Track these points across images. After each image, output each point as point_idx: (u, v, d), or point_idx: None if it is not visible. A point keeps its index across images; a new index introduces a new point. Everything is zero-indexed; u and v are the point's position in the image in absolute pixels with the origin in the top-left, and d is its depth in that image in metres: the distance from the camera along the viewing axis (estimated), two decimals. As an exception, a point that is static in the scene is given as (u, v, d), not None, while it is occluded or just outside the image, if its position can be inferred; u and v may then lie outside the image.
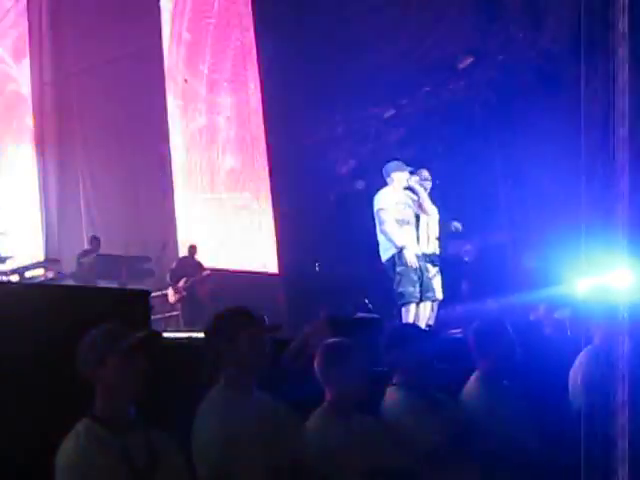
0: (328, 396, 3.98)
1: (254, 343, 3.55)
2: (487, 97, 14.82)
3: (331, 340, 4.16)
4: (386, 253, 9.34)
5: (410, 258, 9.15)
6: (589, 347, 5.91)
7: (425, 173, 9.94)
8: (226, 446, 3.31)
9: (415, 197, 9.58)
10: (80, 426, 3.06)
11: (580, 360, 5.85)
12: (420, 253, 9.40)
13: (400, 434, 4.13)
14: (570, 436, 5.72)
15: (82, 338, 3.18)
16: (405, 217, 9.36)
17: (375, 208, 9.52)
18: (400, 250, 9.19)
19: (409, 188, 9.63)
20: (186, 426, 3.43)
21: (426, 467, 4.09)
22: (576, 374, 5.75)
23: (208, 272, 12.95)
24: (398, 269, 9.14)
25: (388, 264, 9.32)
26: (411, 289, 9.11)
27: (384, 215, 9.38)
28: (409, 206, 9.50)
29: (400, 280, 9.14)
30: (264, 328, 3.74)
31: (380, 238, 9.42)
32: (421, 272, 9.24)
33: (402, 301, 9.19)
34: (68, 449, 2.99)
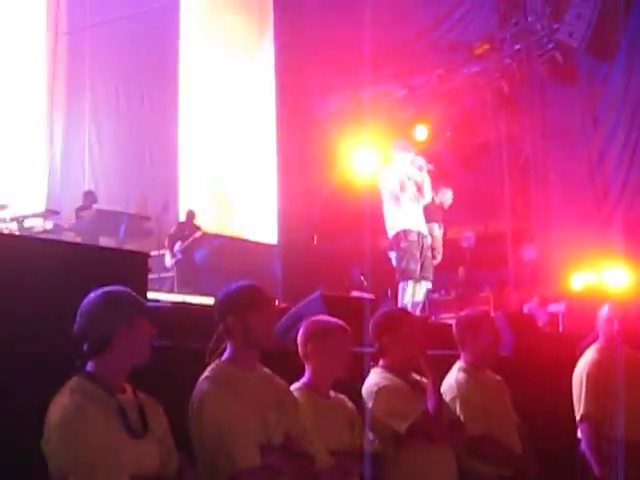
0: (307, 373, 3.98)
1: (264, 322, 3.56)
2: (499, 85, 14.75)
3: (314, 317, 4.13)
4: (391, 230, 9.42)
5: (412, 236, 9.27)
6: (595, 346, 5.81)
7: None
8: (226, 424, 3.32)
9: (419, 178, 9.60)
10: (73, 383, 3.00)
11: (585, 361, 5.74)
12: (426, 232, 9.51)
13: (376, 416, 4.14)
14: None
15: (86, 295, 3.12)
16: (408, 194, 9.40)
17: (380, 186, 9.60)
18: (404, 228, 9.28)
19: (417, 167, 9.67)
20: (177, 394, 3.41)
21: (394, 449, 4.12)
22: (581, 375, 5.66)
23: (200, 233, 12.89)
24: (403, 245, 9.22)
25: (394, 240, 9.40)
26: (414, 267, 9.21)
27: (386, 194, 9.47)
28: (413, 184, 9.53)
29: (404, 257, 9.22)
30: (275, 308, 3.74)
31: (385, 216, 9.50)
32: (422, 251, 9.34)
33: (404, 278, 9.26)
34: (63, 405, 2.92)
